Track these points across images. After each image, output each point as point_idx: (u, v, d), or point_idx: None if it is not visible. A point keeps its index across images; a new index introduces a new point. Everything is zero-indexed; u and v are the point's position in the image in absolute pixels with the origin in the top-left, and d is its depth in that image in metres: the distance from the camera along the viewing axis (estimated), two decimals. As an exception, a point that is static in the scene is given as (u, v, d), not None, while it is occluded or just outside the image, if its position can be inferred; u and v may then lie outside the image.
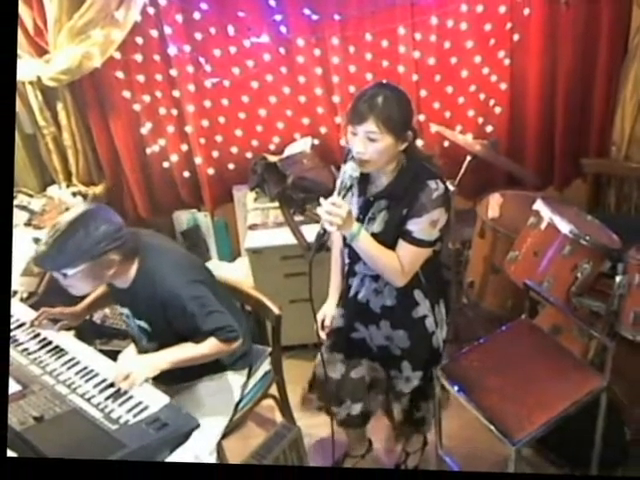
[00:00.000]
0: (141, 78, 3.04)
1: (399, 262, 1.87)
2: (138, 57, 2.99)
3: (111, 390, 1.87)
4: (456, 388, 2.07)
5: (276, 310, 2.26)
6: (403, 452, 2.51)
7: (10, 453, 1.58)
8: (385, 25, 2.94)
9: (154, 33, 2.97)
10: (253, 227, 2.99)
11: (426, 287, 2.01)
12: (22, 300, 2.54)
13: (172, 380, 2.07)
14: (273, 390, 2.42)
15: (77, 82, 2.99)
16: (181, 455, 1.74)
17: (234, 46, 3.00)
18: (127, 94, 3.08)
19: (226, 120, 3.20)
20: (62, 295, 2.06)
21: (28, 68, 2.87)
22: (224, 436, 2.14)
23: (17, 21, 2.56)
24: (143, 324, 2.04)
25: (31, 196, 3.07)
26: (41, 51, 2.92)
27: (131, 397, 1.84)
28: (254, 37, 2.97)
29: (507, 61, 3.05)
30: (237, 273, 3.26)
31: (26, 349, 2.06)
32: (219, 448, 2.12)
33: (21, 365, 1.97)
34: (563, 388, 2.04)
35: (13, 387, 1.84)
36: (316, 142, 3.23)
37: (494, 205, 2.86)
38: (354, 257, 2.00)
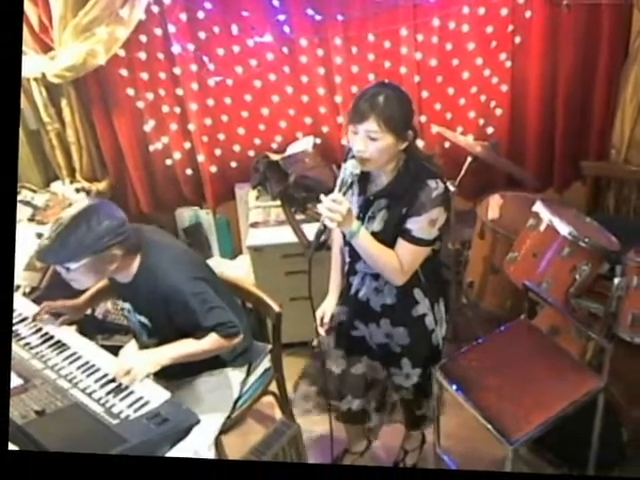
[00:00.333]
0: (145, 76, 3.06)
1: (398, 261, 1.88)
2: (142, 55, 3.00)
3: (112, 385, 1.88)
4: (454, 387, 2.08)
5: (276, 307, 2.27)
6: (402, 450, 2.52)
7: (12, 447, 1.59)
8: (387, 26, 2.95)
9: (158, 31, 2.98)
10: (255, 225, 3.00)
11: (426, 286, 2.01)
12: (25, 295, 2.55)
13: (172, 376, 2.08)
14: (273, 387, 2.43)
15: (81, 79, 3.00)
16: (180, 450, 1.75)
17: (237, 45, 3.00)
18: (131, 91, 3.09)
19: (229, 118, 3.21)
20: (64, 290, 2.08)
21: (33, 65, 2.88)
22: (224, 432, 2.15)
23: (23, 18, 2.56)
24: (144, 319, 2.05)
25: (35, 192, 3.07)
26: (46, 48, 2.94)
27: (132, 392, 1.85)
28: (257, 36, 2.98)
29: (508, 63, 3.05)
30: (238, 270, 3.27)
31: (28, 343, 2.07)
32: (218, 444, 2.13)
33: (23, 359, 1.99)
34: (561, 388, 2.04)
35: (15, 381, 1.85)
36: (318, 141, 3.24)
37: (494, 206, 2.87)
38: (354, 255, 2.01)
